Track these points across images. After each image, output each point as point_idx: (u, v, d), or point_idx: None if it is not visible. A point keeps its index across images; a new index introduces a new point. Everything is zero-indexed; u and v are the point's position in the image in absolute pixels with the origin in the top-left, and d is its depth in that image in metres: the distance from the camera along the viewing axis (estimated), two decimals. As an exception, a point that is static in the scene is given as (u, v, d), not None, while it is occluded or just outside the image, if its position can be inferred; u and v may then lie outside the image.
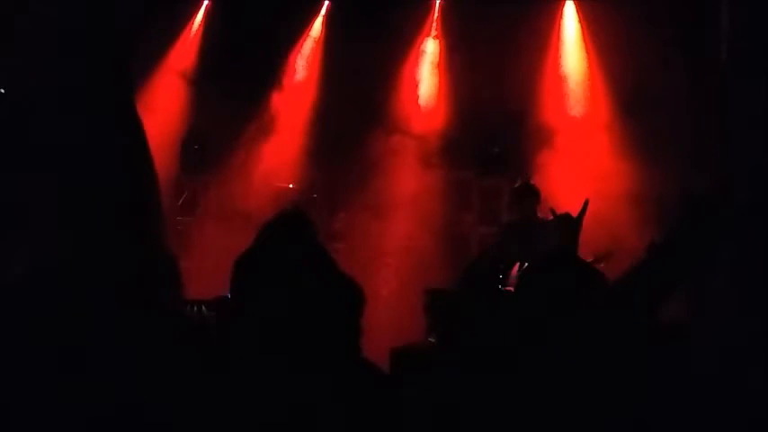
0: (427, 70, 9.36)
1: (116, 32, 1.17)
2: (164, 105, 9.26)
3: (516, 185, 7.69)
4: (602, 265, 6.12)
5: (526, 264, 6.23)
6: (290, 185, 9.24)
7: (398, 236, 8.35)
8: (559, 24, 9.17)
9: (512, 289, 6.00)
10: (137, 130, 1.11)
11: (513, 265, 6.54)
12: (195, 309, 4.21)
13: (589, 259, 5.49)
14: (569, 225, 2.55)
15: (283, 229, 2.08)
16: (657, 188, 7.29)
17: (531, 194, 7.36)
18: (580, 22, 9.11)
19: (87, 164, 1.03)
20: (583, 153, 8.41)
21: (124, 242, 1.05)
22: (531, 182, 7.64)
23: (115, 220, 1.04)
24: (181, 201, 9.33)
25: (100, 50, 1.09)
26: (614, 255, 6.51)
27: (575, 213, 2.62)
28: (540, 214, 7.35)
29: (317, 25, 9.82)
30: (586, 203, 2.71)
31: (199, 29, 9.84)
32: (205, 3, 9.90)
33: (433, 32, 9.46)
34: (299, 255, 2.04)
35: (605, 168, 8.09)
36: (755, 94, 7.33)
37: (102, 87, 1.08)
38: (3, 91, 1.04)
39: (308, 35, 9.81)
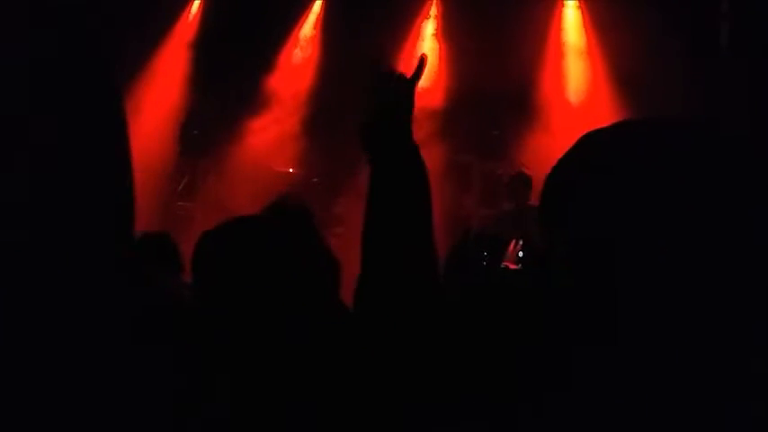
0: (426, 51, 9.33)
1: (100, 25, 1.15)
2: (163, 90, 9.25)
3: (511, 175, 7.80)
4: None
5: (521, 241, 6.27)
6: (290, 170, 9.23)
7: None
8: (560, 8, 9.15)
9: (510, 265, 6.01)
10: (119, 126, 1.10)
11: (509, 242, 6.59)
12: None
13: None
14: None
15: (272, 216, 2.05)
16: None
17: (523, 183, 7.48)
18: (580, 6, 9.10)
19: (61, 156, 1.02)
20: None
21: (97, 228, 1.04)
22: (525, 170, 7.72)
23: (89, 210, 1.03)
24: (181, 185, 9.33)
25: (81, 42, 1.07)
26: None
27: None
28: (532, 202, 7.42)
29: (317, 7, 9.79)
30: None
31: (197, 13, 9.81)
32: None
33: (433, 12, 9.44)
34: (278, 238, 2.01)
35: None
36: (756, 77, 7.31)
37: (81, 80, 1.07)
38: None
39: (307, 18, 9.79)
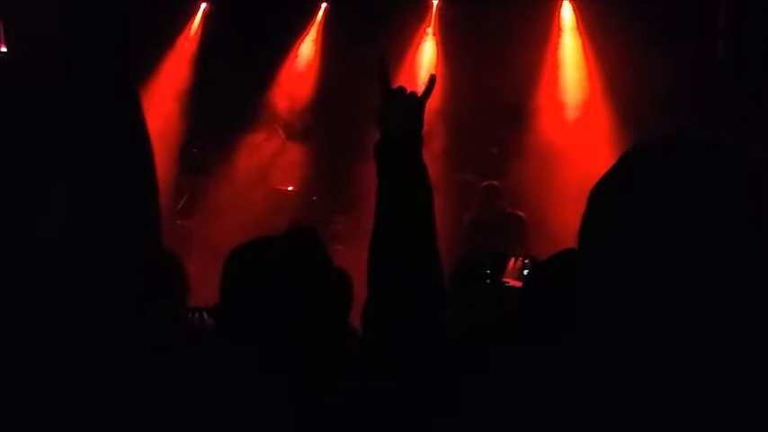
0: (425, 68, 9.37)
1: (114, 34, 1.16)
2: (163, 107, 9.26)
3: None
4: None
5: (520, 258, 6.33)
6: (290, 188, 9.24)
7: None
8: (558, 23, 9.18)
9: (511, 281, 6.02)
10: (141, 130, 1.10)
11: (508, 259, 6.65)
12: (197, 315, 4.15)
13: None
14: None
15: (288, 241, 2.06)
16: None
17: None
18: (576, 20, 9.13)
19: (85, 159, 1.02)
20: (582, 155, 8.40)
21: (119, 238, 1.04)
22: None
23: (110, 217, 1.03)
24: (180, 204, 9.32)
25: (99, 49, 1.08)
26: None
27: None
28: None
29: (315, 27, 9.84)
30: None
31: (197, 31, 9.85)
32: (203, 6, 9.92)
33: (431, 30, 9.49)
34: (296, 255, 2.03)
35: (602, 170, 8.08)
36: (753, 90, 7.33)
37: (103, 87, 1.07)
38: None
39: (306, 35, 9.83)
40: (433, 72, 2.06)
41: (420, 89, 1.97)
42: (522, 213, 8.09)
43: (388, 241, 1.82)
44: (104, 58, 1.07)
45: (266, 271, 1.99)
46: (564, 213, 8.01)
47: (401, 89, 1.98)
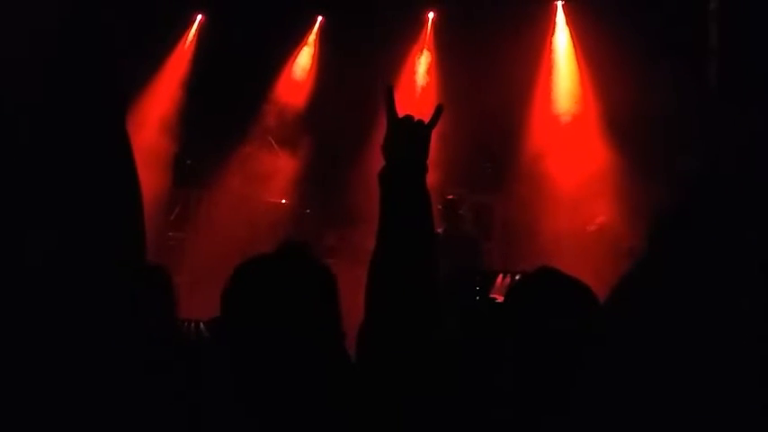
0: (420, 85, 9.41)
1: (108, 47, 1.16)
2: (156, 119, 9.26)
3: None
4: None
5: (509, 275, 6.40)
6: (283, 201, 9.23)
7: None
8: (551, 38, 9.22)
9: (499, 297, 6.05)
10: (124, 145, 1.10)
11: (496, 275, 6.69)
12: (193, 326, 4.11)
13: None
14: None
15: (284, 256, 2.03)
16: (650, 208, 7.30)
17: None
18: (570, 35, 9.17)
19: (69, 173, 1.02)
20: (574, 170, 8.42)
21: (103, 251, 1.04)
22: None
23: (95, 229, 1.03)
24: (173, 215, 9.31)
25: (89, 64, 1.08)
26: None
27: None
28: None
29: (311, 40, 9.87)
30: None
31: (191, 44, 9.86)
32: (198, 18, 9.94)
33: (425, 48, 9.52)
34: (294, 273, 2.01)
35: (597, 186, 8.10)
36: (745, 114, 7.35)
37: (90, 103, 1.07)
38: None
39: (301, 50, 9.86)
40: (441, 103, 2.06)
41: (418, 106, 1.98)
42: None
43: (390, 267, 1.82)
44: (90, 69, 1.07)
45: (276, 290, 1.96)
46: (556, 226, 8.03)
47: (408, 117, 1.98)
